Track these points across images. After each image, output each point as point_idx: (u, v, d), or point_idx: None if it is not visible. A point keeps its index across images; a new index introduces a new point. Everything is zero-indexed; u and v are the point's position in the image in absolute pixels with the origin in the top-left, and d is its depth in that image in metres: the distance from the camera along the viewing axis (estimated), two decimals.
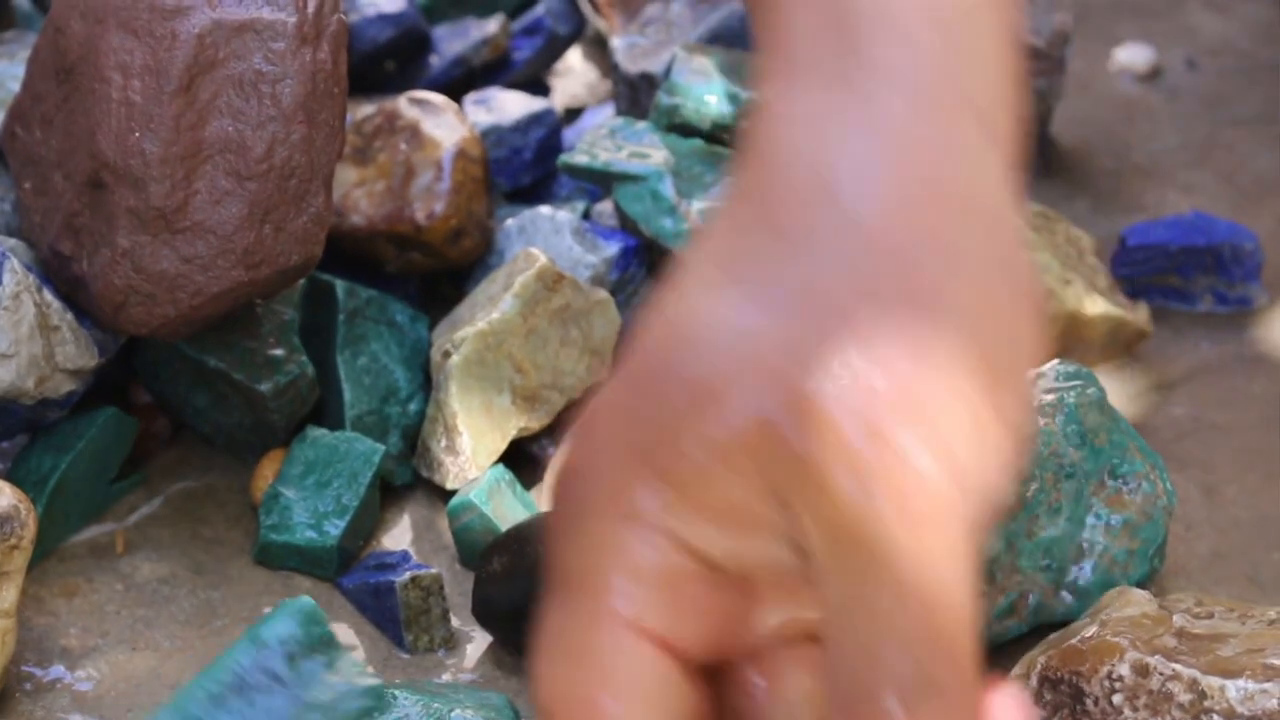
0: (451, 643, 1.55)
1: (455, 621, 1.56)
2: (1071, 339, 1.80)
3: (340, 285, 1.71)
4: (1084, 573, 1.55)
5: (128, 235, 1.53)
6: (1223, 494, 1.72)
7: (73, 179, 1.58)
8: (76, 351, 1.56)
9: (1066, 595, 1.54)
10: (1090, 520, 1.56)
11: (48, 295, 1.56)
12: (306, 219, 1.57)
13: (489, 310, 1.67)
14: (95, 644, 1.51)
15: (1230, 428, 1.80)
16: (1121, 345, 1.85)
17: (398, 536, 1.64)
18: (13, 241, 1.61)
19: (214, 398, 1.66)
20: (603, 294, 1.72)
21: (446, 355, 1.65)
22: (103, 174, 1.55)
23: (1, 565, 1.41)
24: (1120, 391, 1.83)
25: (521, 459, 1.70)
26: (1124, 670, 1.37)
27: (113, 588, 1.56)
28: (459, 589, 1.59)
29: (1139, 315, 1.85)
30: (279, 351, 1.65)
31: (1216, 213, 2.04)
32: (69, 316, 1.57)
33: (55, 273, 1.59)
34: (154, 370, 1.67)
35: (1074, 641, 1.40)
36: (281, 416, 1.65)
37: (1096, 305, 1.80)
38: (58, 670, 1.49)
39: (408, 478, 1.68)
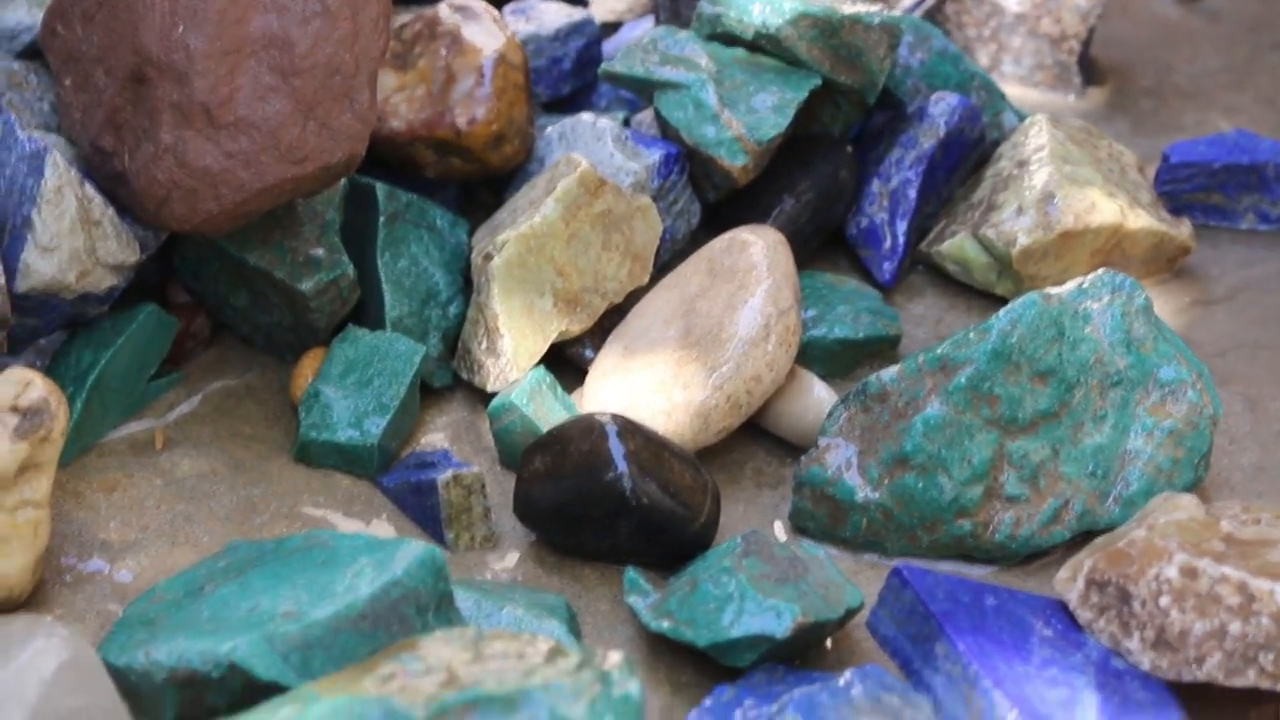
0: (493, 541, 1.54)
1: (496, 521, 1.56)
2: (1114, 253, 1.79)
3: (381, 188, 1.70)
4: (1129, 480, 1.54)
5: (171, 130, 1.52)
6: (1266, 409, 1.71)
7: (114, 74, 1.57)
8: (118, 246, 1.56)
9: (1111, 503, 1.54)
10: (1136, 428, 1.55)
11: (89, 190, 1.55)
12: (351, 116, 1.56)
13: (531, 214, 1.66)
14: (135, 538, 1.51)
15: (1273, 344, 1.79)
16: (1164, 260, 1.84)
17: (437, 438, 1.63)
18: (54, 137, 1.60)
19: (254, 297, 1.65)
20: (645, 199, 1.70)
21: (488, 258, 1.64)
22: (146, 69, 1.53)
23: (33, 456, 1.40)
24: (1163, 306, 1.82)
25: (562, 362, 1.69)
26: (1172, 573, 1.36)
27: (152, 483, 1.56)
28: (499, 489, 1.59)
29: (1182, 231, 1.84)
30: (320, 251, 1.64)
31: (1258, 134, 2.03)
32: (110, 212, 1.56)
33: (96, 169, 1.58)
34: (194, 270, 1.66)
35: (1121, 545, 1.39)
36: (322, 316, 1.64)
37: (1140, 220, 1.79)
38: (97, 563, 1.48)
39: (447, 380, 1.67)
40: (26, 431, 1.39)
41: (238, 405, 1.65)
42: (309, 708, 1.19)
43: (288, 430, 1.62)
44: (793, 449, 1.64)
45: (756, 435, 1.66)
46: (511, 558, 1.53)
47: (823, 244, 1.85)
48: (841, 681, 1.33)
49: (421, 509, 1.54)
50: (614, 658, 1.21)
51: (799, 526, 1.57)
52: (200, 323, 1.69)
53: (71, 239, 1.52)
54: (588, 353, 1.69)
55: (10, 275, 1.51)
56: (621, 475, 1.48)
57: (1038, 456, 1.52)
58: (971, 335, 1.53)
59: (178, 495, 1.55)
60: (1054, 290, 1.55)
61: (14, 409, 1.40)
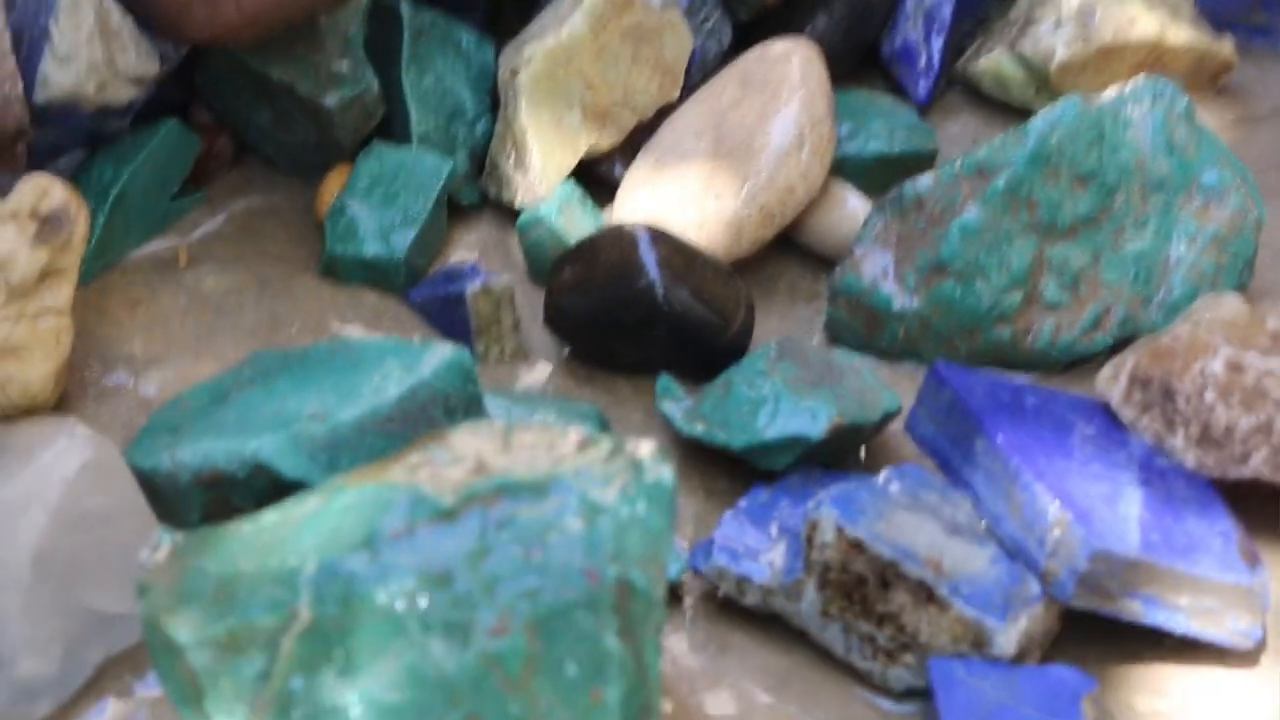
0: (522, 353, 1.51)
1: (526, 336, 1.53)
2: (1155, 69, 1.75)
3: (405, 5, 1.66)
4: (1172, 286, 1.51)
5: None
6: None
7: None
8: (137, 58, 1.52)
9: (1154, 309, 1.50)
10: (1178, 233, 1.51)
11: (108, 1, 1.51)
12: None
13: (558, 28, 1.62)
14: (159, 353, 1.48)
15: None
16: (1206, 77, 1.80)
17: (465, 255, 1.60)
18: None
19: (277, 115, 1.62)
20: (675, 13, 1.67)
21: (515, 73, 1.60)
22: None
23: (54, 262, 1.38)
24: (1206, 123, 1.77)
25: (592, 180, 1.65)
26: (1217, 368, 1.33)
27: (176, 300, 1.53)
28: (529, 306, 1.56)
29: (1224, 47, 1.79)
30: (344, 66, 1.61)
31: None
32: (130, 23, 1.53)
33: None
34: (217, 88, 1.63)
35: (1165, 341, 1.36)
36: (346, 132, 1.61)
37: (1181, 34, 1.74)
38: (121, 376, 1.46)
39: (474, 198, 1.64)
40: (47, 237, 1.37)
41: (263, 224, 1.62)
42: (335, 497, 1.16)
43: (313, 249, 1.60)
44: (828, 263, 1.61)
45: (790, 249, 1.62)
46: (542, 371, 1.50)
47: (856, 64, 1.81)
48: (880, 479, 1.31)
49: (450, 322, 1.52)
50: (646, 446, 1.18)
51: (834, 337, 1.54)
52: (223, 143, 1.66)
53: (90, 49, 1.49)
54: (617, 170, 1.65)
55: (29, 86, 1.48)
56: (653, 282, 1.45)
57: (1078, 262, 1.49)
58: (1009, 139, 1.49)
59: (202, 311, 1.52)
60: (1095, 95, 1.52)
61: (33, 215, 1.37)
